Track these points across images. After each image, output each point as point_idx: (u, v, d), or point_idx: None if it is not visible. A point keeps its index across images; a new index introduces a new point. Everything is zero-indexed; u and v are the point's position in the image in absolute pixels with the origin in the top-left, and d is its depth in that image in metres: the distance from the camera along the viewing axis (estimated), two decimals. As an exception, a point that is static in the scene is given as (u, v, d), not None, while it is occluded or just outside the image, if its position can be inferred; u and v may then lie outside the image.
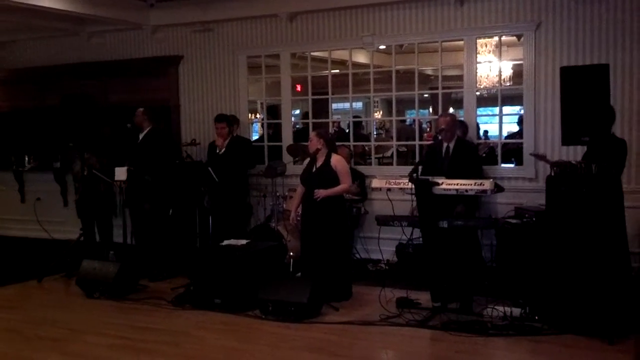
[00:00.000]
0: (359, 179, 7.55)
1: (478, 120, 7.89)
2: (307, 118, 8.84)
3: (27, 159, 10.05)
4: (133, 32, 9.29)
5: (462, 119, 7.45)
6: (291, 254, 7.17)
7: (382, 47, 8.43)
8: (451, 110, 9.97)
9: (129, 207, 7.35)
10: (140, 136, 7.46)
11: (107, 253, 7.10)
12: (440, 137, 6.16)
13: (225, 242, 6.52)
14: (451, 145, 6.08)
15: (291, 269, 7.03)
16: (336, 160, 6.29)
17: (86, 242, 7.49)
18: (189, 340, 5.31)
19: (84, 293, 6.61)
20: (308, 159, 6.49)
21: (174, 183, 7.39)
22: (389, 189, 5.85)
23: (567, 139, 5.57)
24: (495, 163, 7.48)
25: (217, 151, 7.57)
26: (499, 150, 7.68)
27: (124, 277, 6.58)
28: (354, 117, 10.36)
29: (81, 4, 8.03)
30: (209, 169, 7.07)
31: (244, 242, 6.56)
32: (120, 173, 7.06)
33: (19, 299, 6.78)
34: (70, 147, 8.37)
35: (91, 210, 7.54)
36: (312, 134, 6.50)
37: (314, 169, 6.34)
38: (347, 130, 9.10)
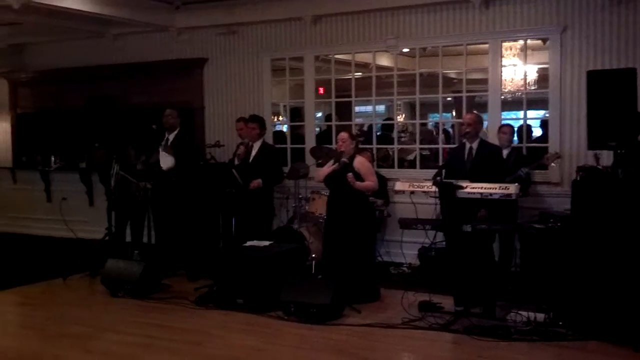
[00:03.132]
0: (381, 182, 7.53)
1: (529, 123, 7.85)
2: (330, 120, 8.85)
3: (53, 159, 10.18)
4: (158, 34, 9.38)
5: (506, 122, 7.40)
6: (313, 255, 7.19)
7: (406, 50, 8.42)
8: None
9: (153, 208, 7.41)
10: (170, 137, 7.49)
11: (131, 252, 7.16)
12: (464, 139, 6.12)
13: (248, 243, 6.55)
14: (474, 146, 6.03)
15: (313, 271, 7.05)
16: (359, 162, 6.31)
17: (115, 241, 7.55)
18: (212, 339, 5.34)
19: (108, 292, 6.68)
20: (332, 160, 6.48)
21: (199, 184, 7.43)
22: (412, 192, 5.84)
23: (594, 144, 5.52)
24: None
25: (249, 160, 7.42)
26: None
27: (148, 277, 6.63)
28: (385, 119, 10.35)
29: (106, 6, 8.12)
30: (233, 171, 7.09)
31: (266, 243, 6.59)
32: (167, 160, 7.14)
33: (44, 297, 6.87)
34: (95, 148, 8.49)
35: (124, 209, 7.61)
36: (344, 134, 6.46)
37: (339, 170, 6.33)
38: (377, 133, 9.06)
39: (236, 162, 7.32)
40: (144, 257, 7.18)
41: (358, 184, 6.20)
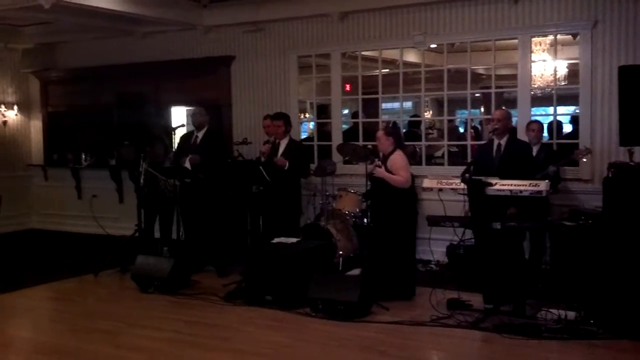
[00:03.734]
0: None
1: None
2: (355, 117, 8.83)
3: (83, 156, 10.32)
4: (186, 32, 9.44)
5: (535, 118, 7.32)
6: (340, 253, 7.19)
7: (434, 46, 8.36)
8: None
9: (182, 204, 7.48)
10: (200, 135, 7.56)
11: (161, 249, 7.24)
12: (492, 135, 6.07)
13: (276, 240, 6.58)
14: (502, 142, 5.97)
15: (340, 268, 7.06)
16: (392, 159, 6.25)
17: (144, 237, 7.64)
18: (240, 335, 5.38)
19: (138, 288, 6.76)
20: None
21: (226, 182, 7.47)
22: (440, 189, 5.80)
23: (625, 140, 5.44)
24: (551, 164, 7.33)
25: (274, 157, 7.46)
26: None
27: (178, 273, 6.70)
28: (412, 116, 10.30)
29: (135, 5, 8.20)
30: (261, 168, 7.12)
31: (294, 240, 6.61)
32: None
33: (76, 293, 6.98)
34: (125, 145, 8.58)
35: (153, 206, 7.70)
36: (379, 132, 6.44)
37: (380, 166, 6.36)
38: (404, 130, 9.04)
39: (262, 159, 7.36)
40: (173, 253, 7.26)
41: (387, 175, 6.16)
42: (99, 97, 10.26)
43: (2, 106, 10.70)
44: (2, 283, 7.03)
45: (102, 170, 10.05)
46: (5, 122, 10.76)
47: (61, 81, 10.82)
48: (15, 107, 10.89)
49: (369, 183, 6.56)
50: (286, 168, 7.19)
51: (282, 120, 7.40)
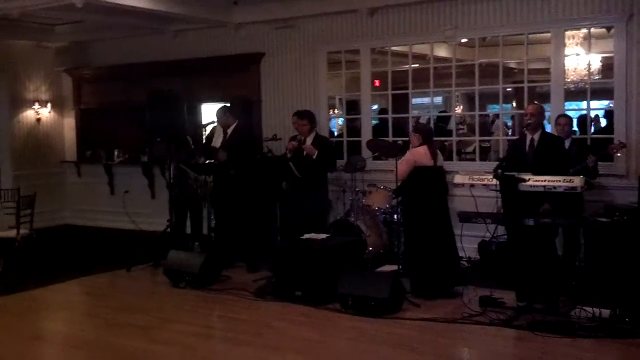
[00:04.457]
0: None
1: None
2: (383, 113, 8.79)
3: (116, 153, 10.45)
4: (216, 29, 9.48)
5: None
6: (370, 249, 7.17)
7: (464, 40, 8.28)
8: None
9: (213, 200, 7.53)
10: (229, 131, 7.61)
11: (192, 244, 7.29)
12: (525, 130, 5.99)
13: (306, 236, 6.58)
14: (536, 137, 5.89)
15: (370, 264, 7.04)
16: (408, 153, 6.37)
17: (176, 233, 7.72)
18: (271, 331, 5.40)
19: (170, 282, 6.82)
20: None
21: (257, 178, 7.50)
22: (472, 185, 5.75)
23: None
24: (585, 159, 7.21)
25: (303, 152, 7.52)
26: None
27: (209, 268, 6.75)
28: (440, 111, 10.23)
29: (167, 3, 8.25)
30: (290, 164, 7.14)
31: (324, 236, 6.61)
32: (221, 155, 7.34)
33: (109, 287, 7.10)
34: (157, 142, 8.64)
35: (184, 202, 7.77)
36: (411, 129, 6.56)
37: None
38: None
39: (288, 155, 7.44)
40: (204, 248, 7.31)
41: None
42: (130, 94, 10.33)
43: (36, 104, 10.87)
44: (37, 278, 7.15)
45: (134, 167, 10.17)
46: (39, 120, 10.93)
47: (93, 79, 10.95)
48: (49, 105, 11.05)
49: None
50: (314, 157, 7.25)
51: (307, 119, 7.52)
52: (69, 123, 11.28)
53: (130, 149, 10.32)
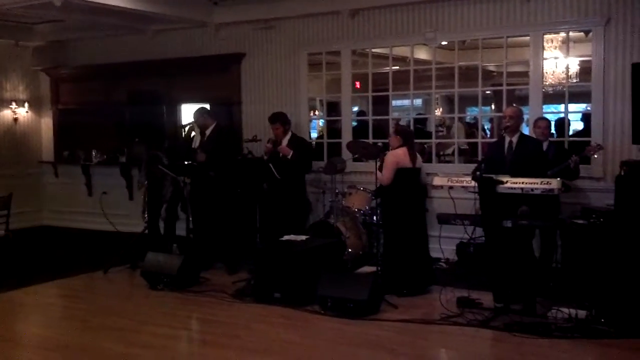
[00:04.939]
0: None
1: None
2: (363, 115, 8.81)
3: (94, 153, 10.34)
4: (197, 29, 9.44)
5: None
6: (350, 250, 7.17)
7: (444, 43, 8.32)
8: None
9: (192, 202, 7.48)
10: (207, 133, 7.59)
11: (171, 246, 7.25)
12: (504, 133, 6.04)
13: (285, 238, 6.57)
14: (514, 140, 5.94)
15: (349, 266, 7.05)
16: (387, 154, 6.39)
17: (151, 234, 7.67)
18: (250, 333, 5.37)
19: (148, 285, 6.76)
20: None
21: (236, 179, 7.48)
22: (450, 187, 5.77)
23: (638, 138, 5.39)
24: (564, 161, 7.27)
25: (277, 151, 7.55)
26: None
27: (187, 270, 6.70)
28: (418, 114, 10.28)
29: (146, 3, 8.20)
30: (270, 165, 7.13)
31: (303, 237, 6.60)
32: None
33: (86, 290, 7.01)
34: (135, 142, 8.58)
35: (157, 203, 7.73)
36: (391, 130, 6.61)
37: None
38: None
39: (265, 157, 7.49)
40: (183, 250, 7.26)
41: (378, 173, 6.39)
42: (109, 94, 10.28)
43: (13, 103, 10.74)
44: (13, 280, 7.06)
45: (112, 168, 10.08)
46: (16, 120, 10.80)
47: (72, 79, 10.84)
48: (26, 105, 10.92)
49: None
50: (290, 157, 7.28)
51: (278, 122, 7.58)
52: (47, 123, 11.16)
53: (109, 149, 10.22)
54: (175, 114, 9.73)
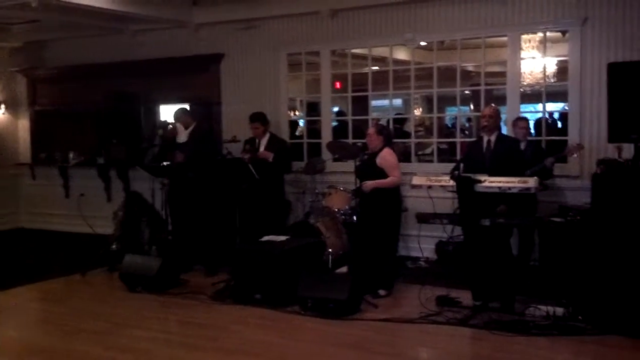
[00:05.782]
0: None
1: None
2: (343, 115, 8.82)
3: (71, 155, 10.24)
4: (176, 30, 9.39)
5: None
6: (330, 250, 7.17)
7: (423, 43, 8.35)
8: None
9: (170, 202, 7.44)
10: (186, 133, 7.55)
11: (150, 248, 7.19)
12: (482, 134, 6.08)
13: (265, 238, 6.55)
14: (492, 139, 5.98)
15: (330, 266, 7.04)
16: (382, 156, 6.27)
17: (131, 236, 7.61)
18: (229, 334, 5.35)
19: (126, 287, 6.71)
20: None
21: (215, 180, 7.45)
22: (429, 187, 5.79)
23: (614, 137, 5.44)
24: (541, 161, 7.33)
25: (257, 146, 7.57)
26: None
27: (166, 272, 6.65)
28: (397, 114, 10.32)
29: (125, 3, 8.14)
30: (249, 166, 7.11)
31: (283, 238, 6.58)
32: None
33: (63, 293, 6.93)
34: (113, 144, 8.52)
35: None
36: (371, 129, 6.47)
37: (366, 162, 6.44)
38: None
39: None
40: (161, 252, 7.21)
41: (375, 183, 6.18)
42: (87, 95, 10.16)
43: (-10, 105, 10.63)
44: (-11, 283, 6.97)
45: (90, 169, 9.98)
46: (-8, 121, 10.69)
47: (49, 79, 10.73)
48: (2, 106, 10.80)
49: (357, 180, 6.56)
50: (271, 160, 7.25)
51: (259, 122, 7.58)
52: (23, 124, 11.03)
53: (86, 150, 10.12)
54: (154, 114, 9.66)
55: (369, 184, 6.22)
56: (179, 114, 7.69)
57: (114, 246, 7.49)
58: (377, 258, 6.22)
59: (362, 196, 6.46)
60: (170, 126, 7.94)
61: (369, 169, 6.34)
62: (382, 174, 6.23)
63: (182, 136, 7.74)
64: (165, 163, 7.38)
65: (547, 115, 7.81)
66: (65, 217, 9.97)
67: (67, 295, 6.84)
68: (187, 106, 8.21)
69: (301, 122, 9.83)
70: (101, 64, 9.92)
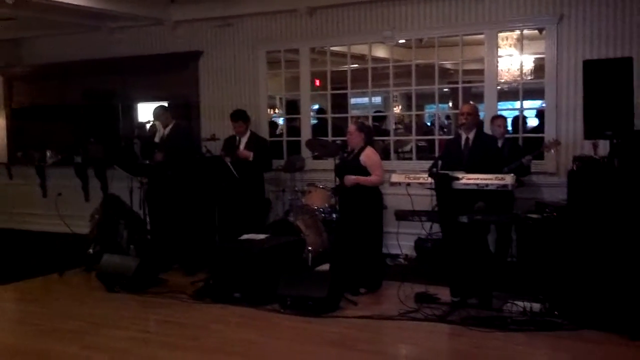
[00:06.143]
0: None
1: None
2: (323, 113, 8.82)
3: (48, 154, 10.14)
4: (154, 27, 9.33)
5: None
6: (310, 248, 7.17)
7: (402, 41, 8.38)
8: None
9: (149, 201, 7.39)
10: (166, 131, 7.50)
11: (128, 247, 7.14)
12: (460, 131, 6.11)
13: (245, 237, 6.53)
14: (470, 136, 6.02)
15: (309, 264, 7.04)
16: (366, 154, 6.27)
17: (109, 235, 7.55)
18: (209, 334, 5.33)
19: (104, 287, 6.66)
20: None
21: (194, 178, 7.41)
22: (408, 184, 5.81)
23: (590, 133, 5.51)
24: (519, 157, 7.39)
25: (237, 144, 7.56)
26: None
27: (144, 271, 6.61)
28: (376, 111, 10.34)
29: (102, 0, 8.07)
30: (229, 164, 7.09)
31: (263, 236, 6.57)
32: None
33: (40, 293, 6.87)
34: (91, 142, 8.44)
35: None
36: (351, 127, 6.45)
37: (346, 161, 6.41)
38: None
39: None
40: (139, 252, 7.17)
41: (357, 178, 6.18)
42: (64, 93, 10.09)
43: (-35, 103, 10.48)
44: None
45: (67, 168, 9.89)
46: (-33, 120, 10.55)
47: (26, 77, 10.61)
48: (-22, 104, 10.68)
49: (336, 178, 6.57)
50: (251, 159, 7.24)
51: (241, 120, 7.56)
52: (0, 123, 10.88)
53: (64, 149, 10.03)
54: (131, 113, 9.59)
55: (352, 178, 6.22)
56: (158, 111, 7.64)
57: (90, 250, 7.40)
58: (361, 257, 6.22)
59: (343, 195, 6.47)
60: (149, 125, 7.88)
61: (351, 167, 6.32)
62: (364, 172, 6.23)
63: (160, 135, 7.68)
64: (148, 162, 7.32)
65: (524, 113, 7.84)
66: (43, 216, 9.87)
67: (45, 295, 6.78)
68: (165, 104, 8.16)
69: (281, 120, 9.82)
70: (78, 61, 9.82)
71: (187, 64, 9.22)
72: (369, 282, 6.26)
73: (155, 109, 7.70)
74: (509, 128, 7.61)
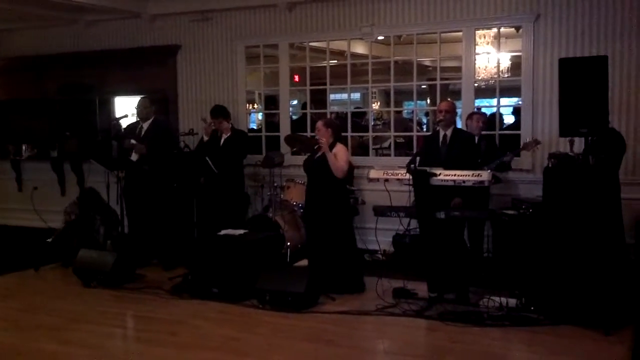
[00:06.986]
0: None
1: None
2: (306, 108, 8.83)
3: (24, 148, 10.01)
4: (131, 20, 9.25)
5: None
6: (288, 244, 7.19)
7: (381, 37, 8.41)
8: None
9: (126, 196, 7.34)
10: (145, 126, 7.44)
11: (105, 242, 7.10)
12: (438, 128, 6.16)
13: (223, 232, 6.52)
14: (448, 133, 6.07)
15: (288, 259, 7.06)
16: (338, 149, 6.25)
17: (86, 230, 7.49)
18: (186, 329, 5.32)
19: (81, 282, 6.61)
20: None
21: (172, 173, 7.37)
22: (386, 180, 5.85)
23: (565, 131, 5.58)
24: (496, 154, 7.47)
25: (219, 142, 7.52)
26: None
27: (122, 267, 6.58)
28: (355, 107, 10.38)
29: (78, -8, 8.01)
30: (207, 159, 7.07)
31: (241, 232, 6.56)
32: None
33: (16, 288, 6.79)
34: (67, 136, 8.35)
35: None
36: (319, 123, 6.43)
37: (316, 157, 6.34)
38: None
39: (205, 138, 7.50)
40: (116, 246, 7.12)
41: (331, 156, 6.12)
42: (40, 87, 9.97)
43: (-62, 96, 10.30)
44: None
45: (43, 162, 9.77)
46: (-59, 113, 10.36)
47: (1, 70, 10.44)
48: (-48, 97, 10.49)
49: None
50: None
51: (221, 117, 7.57)
52: (-26, 116, 10.73)
53: (40, 143, 9.91)
54: (108, 107, 9.51)
55: (325, 145, 6.14)
56: (142, 103, 7.54)
57: (49, 239, 7.34)
58: (335, 258, 6.19)
59: (309, 194, 6.43)
60: (125, 119, 7.80)
61: (321, 163, 6.24)
62: (329, 169, 6.18)
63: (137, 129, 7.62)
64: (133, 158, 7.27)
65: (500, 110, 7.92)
66: (18, 211, 9.73)
67: (21, 290, 6.70)
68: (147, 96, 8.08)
69: (260, 115, 9.80)
70: (54, 54, 9.71)
71: (166, 58, 9.15)
72: (350, 285, 6.19)
73: (141, 99, 7.61)
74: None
